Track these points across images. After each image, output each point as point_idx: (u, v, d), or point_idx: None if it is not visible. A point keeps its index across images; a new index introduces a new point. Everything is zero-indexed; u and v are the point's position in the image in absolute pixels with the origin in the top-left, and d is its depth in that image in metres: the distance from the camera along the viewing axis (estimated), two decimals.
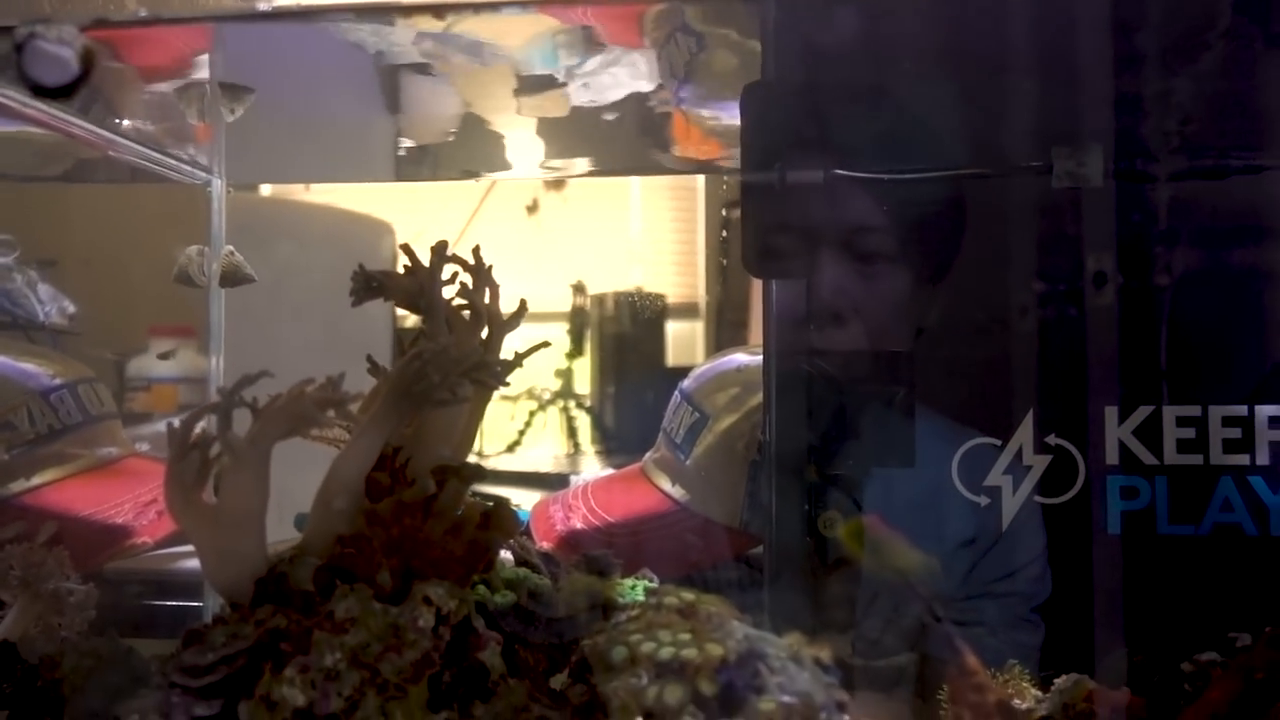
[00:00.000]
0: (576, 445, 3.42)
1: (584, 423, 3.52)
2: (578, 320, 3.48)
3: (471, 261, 0.74)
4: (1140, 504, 0.93)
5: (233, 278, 0.96)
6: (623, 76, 1.37)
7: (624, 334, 3.43)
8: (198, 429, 0.68)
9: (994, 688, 0.59)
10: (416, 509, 0.71)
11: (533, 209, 3.67)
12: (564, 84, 1.42)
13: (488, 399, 0.76)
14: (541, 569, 0.84)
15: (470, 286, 0.75)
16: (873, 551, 0.61)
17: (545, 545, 1.18)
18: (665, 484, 1.16)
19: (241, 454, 0.67)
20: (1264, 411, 0.90)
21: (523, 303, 0.76)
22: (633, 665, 0.64)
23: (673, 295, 3.56)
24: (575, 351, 3.52)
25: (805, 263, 0.94)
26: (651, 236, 3.70)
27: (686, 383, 1.21)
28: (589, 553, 0.84)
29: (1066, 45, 0.92)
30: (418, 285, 0.73)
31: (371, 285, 0.73)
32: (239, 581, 0.68)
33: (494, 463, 3.49)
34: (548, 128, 1.53)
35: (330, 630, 0.66)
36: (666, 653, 0.64)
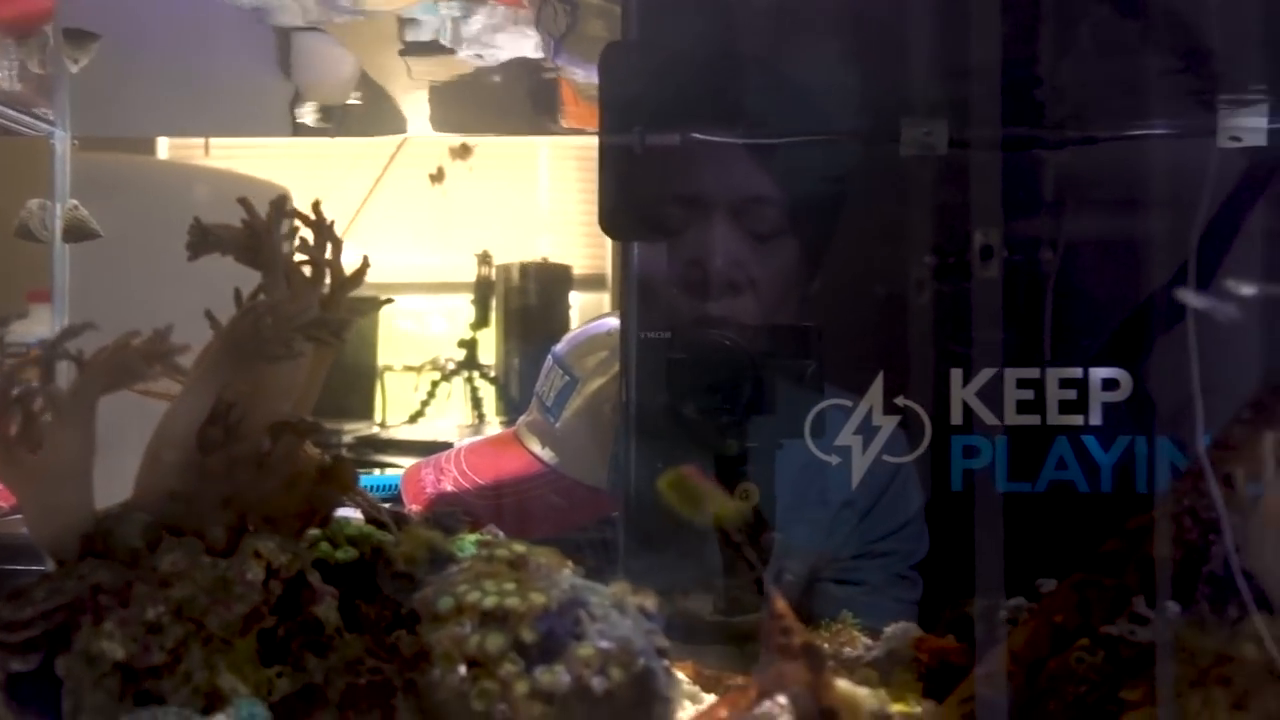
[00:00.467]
0: (481, 416, 3.41)
1: (489, 393, 3.51)
2: (482, 290, 3.46)
3: (312, 216, 0.74)
4: (981, 462, 0.96)
5: (76, 233, 0.94)
6: (510, 40, 1.37)
7: (529, 304, 3.41)
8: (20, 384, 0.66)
9: (801, 630, 0.61)
10: (250, 464, 0.70)
11: (437, 177, 3.63)
12: (451, 48, 1.41)
13: (330, 356, 0.75)
14: (391, 527, 0.84)
15: (311, 242, 0.74)
16: (690, 501, 0.62)
17: (415, 508, 1.18)
18: (536, 447, 1.17)
19: (64, 407, 0.66)
20: (1097, 374, 0.94)
21: (365, 259, 0.75)
22: (459, 615, 0.65)
23: (579, 265, 3.56)
24: (480, 322, 3.50)
25: (662, 225, 0.95)
26: (558, 206, 3.69)
27: (559, 346, 1.22)
28: (436, 509, 0.84)
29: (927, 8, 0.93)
30: (255, 239, 0.72)
31: (207, 238, 0.71)
32: (63, 537, 0.67)
33: (397, 433, 3.46)
34: (443, 92, 1.52)
35: (155, 584, 0.65)
36: (491, 602, 0.65)
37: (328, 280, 0.77)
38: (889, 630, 0.81)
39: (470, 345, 3.51)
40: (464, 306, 3.54)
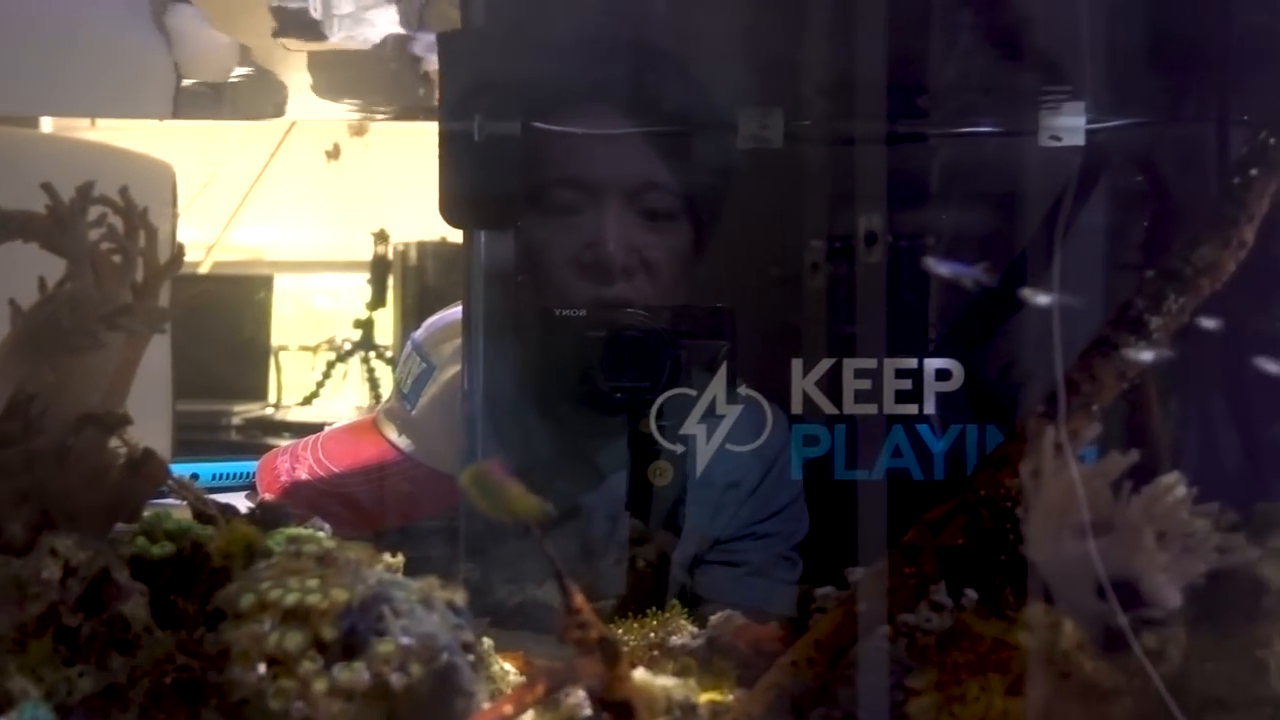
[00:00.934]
0: (377, 397, 3.36)
1: (385, 374, 3.46)
2: (379, 269, 3.40)
3: (120, 203, 0.71)
4: (820, 451, 0.98)
5: None
6: (382, 18, 1.34)
7: (427, 284, 3.37)
8: None
9: (597, 624, 0.62)
10: (50, 459, 0.68)
11: (334, 154, 3.55)
12: (319, 20, 1.38)
13: (141, 347, 0.73)
14: (218, 520, 0.83)
15: (120, 229, 0.72)
16: (491, 496, 0.63)
17: (267, 496, 1.16)
18: (393, 434, 1.16)
19: None
20: (931, 365, 0.97)
21: (180, 247, 0.74)
22: (260, 612, 0.64)
23: None
24: (376, 301, 3.45)
25: (505, 213, 0.94)
26: None
27: (418, 333, 1.20)
28: (263, 502, 0.83)
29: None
30: (59, 225, 0.70)
31: (8, 225, 0.69)
32: None
33: (292, 415, 3.39)
34: (323, 69, 1.48)
35: None
36: (291, 599, 0.64)
37: (140, 269, 0.75)
38: (713, 619, 0.82)
39: (367, 325, 3.46)
40: (361, 286, 3.48)
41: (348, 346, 3.63)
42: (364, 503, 1.13)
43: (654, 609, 0.86)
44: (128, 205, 0.73)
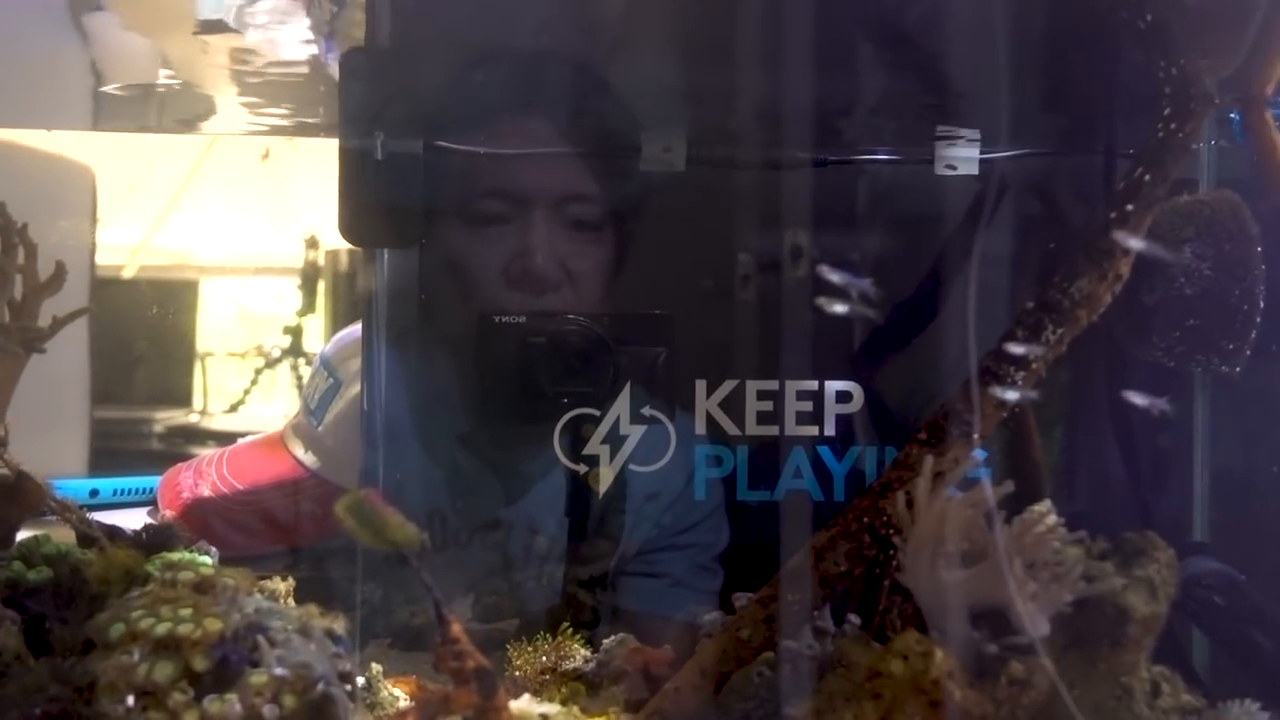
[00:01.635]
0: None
1: None
2: (310, 276, 3.35)
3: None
4: (723, 471, 0.99)
5: None
6: (295, 30, 1.32)
7: (358, 291, 3.31)
8: None
9: (474, 654, 0.62)
10: None
11: (265, 157, 3.50)
12: (238, 30, 1.35)
13: (19, 366, 0.71)
14: (104, 543, 0.81)
15: None
16: (368, 525, 0.62)
17: (169, 514, 1.14)
18: (299, 450, 1.14)
19: None
20: (832, 387, 0.98)
21: (60, 265, 0.72)
22: (130, 642, 0.63)
23: None
24: (306, 308, 3.39)
25: (407, 231, 0.94)
26: None
27: (326, 348, 1.19)
28: (149, 525, 0.82)
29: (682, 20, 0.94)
30: None
31: None
32: None
33: (217, 422, 3.33)
34: (249, 80, 1.45)
35: None
36: (163, 628, 0.63)
37: (19, 286, 0.73)
38: (606, 642, 0.82)
39: (296, 332, 3.40)
40: (291, 291, 3.43)
41: (277, 353, 3.57)
42: (268, 521, 1.11)
43: (542, 634, 0.86)
44: (5, 222, 0.72)
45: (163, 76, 1.37)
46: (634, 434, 0.98)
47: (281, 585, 0.79)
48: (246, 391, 3.46)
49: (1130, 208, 0.73)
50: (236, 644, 0.63)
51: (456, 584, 1.03)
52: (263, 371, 3.51)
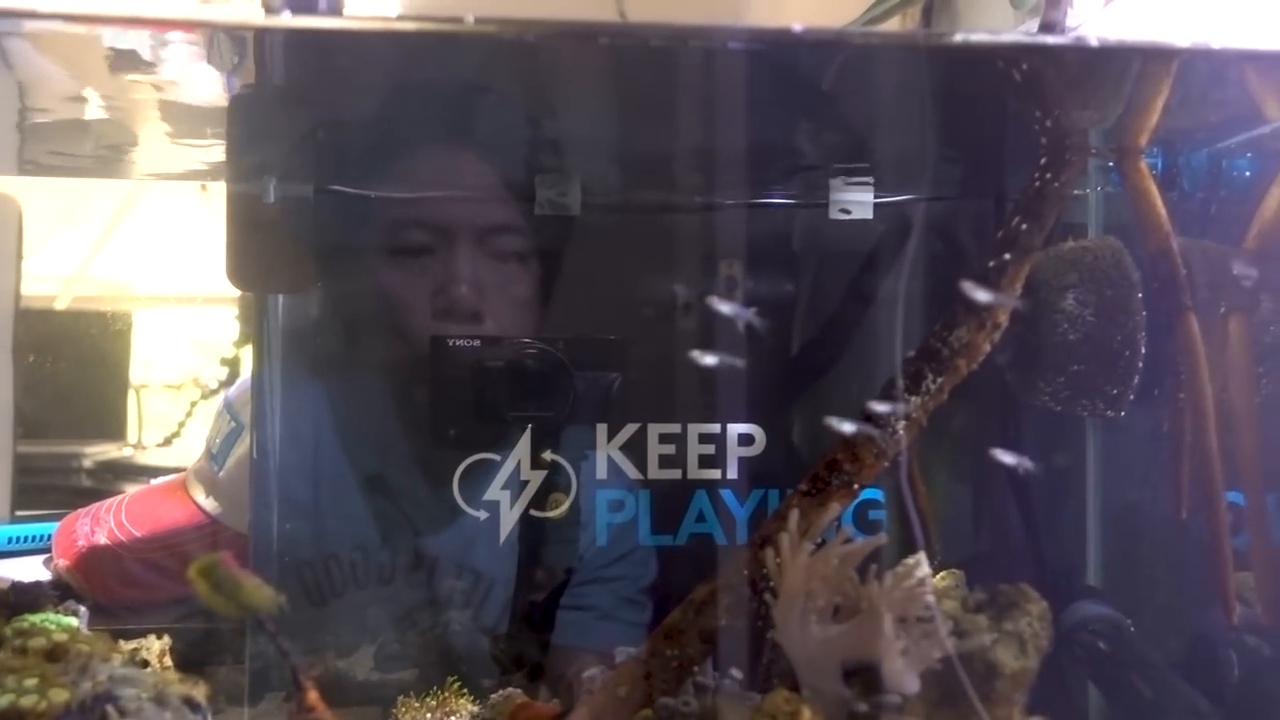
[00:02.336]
0: None
1: None
2: (247, 306, 3.31)
3: None
4: (625, 516, 0.98)
5: None
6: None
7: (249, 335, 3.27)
8: None
9: (330, 717, 0.60)
10: None
11: (204, 187, 3.46)
12: (153, 64, 1.33)
13: None
14: None
15: None
16: (222, 590, 0.61)
17: (63, 563, 1.11)
18: (200, 496, 1.12)
19: None
20: (734, 430, 0.97)
21: None
22: None
23: None
24: (243, 339, 3.35)
25: (299, 276, 0.92)
26: None
27: (230, 391, 1.17)
28: (16, 583, 0.79)
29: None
30: None
31: None
32: None
33: (151, 456, 3.27)
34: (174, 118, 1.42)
35: None
36: (5, 700, 0.60)
37: None
38: (493, 697, 0.81)
39: (233, 363, 3.36)
40: (230, 322, 3.39)
41: (214, 384, 3.52)
42: (165, 570, 1.09)
43: (435, 689, 0.84)
44: None
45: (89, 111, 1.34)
46: (534, 479, 0.97)
47: (155, 645, 0.77)
48: (181, 424, 3.41)
49: (1007, 256, 0.74)
50: (83, 715, 0.61)
51: (366, 630, 1.01)
52: (198, 403, 3.46)
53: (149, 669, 0.70)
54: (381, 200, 0.97)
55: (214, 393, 3.56)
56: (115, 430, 3.34)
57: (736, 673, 0.72)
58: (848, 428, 0.67)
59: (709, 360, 0.63)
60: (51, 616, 0.74)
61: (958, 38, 0.67)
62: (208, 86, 1.27)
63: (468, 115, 0.94)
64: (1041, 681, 0.77)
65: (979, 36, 0.67)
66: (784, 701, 0.62)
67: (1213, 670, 0.74)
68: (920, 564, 0.65)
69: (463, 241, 0.96)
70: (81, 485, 2.91)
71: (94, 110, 1.34)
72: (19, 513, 1.66)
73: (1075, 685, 0.81)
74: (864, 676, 0.64)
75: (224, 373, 3.60)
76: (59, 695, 0.61)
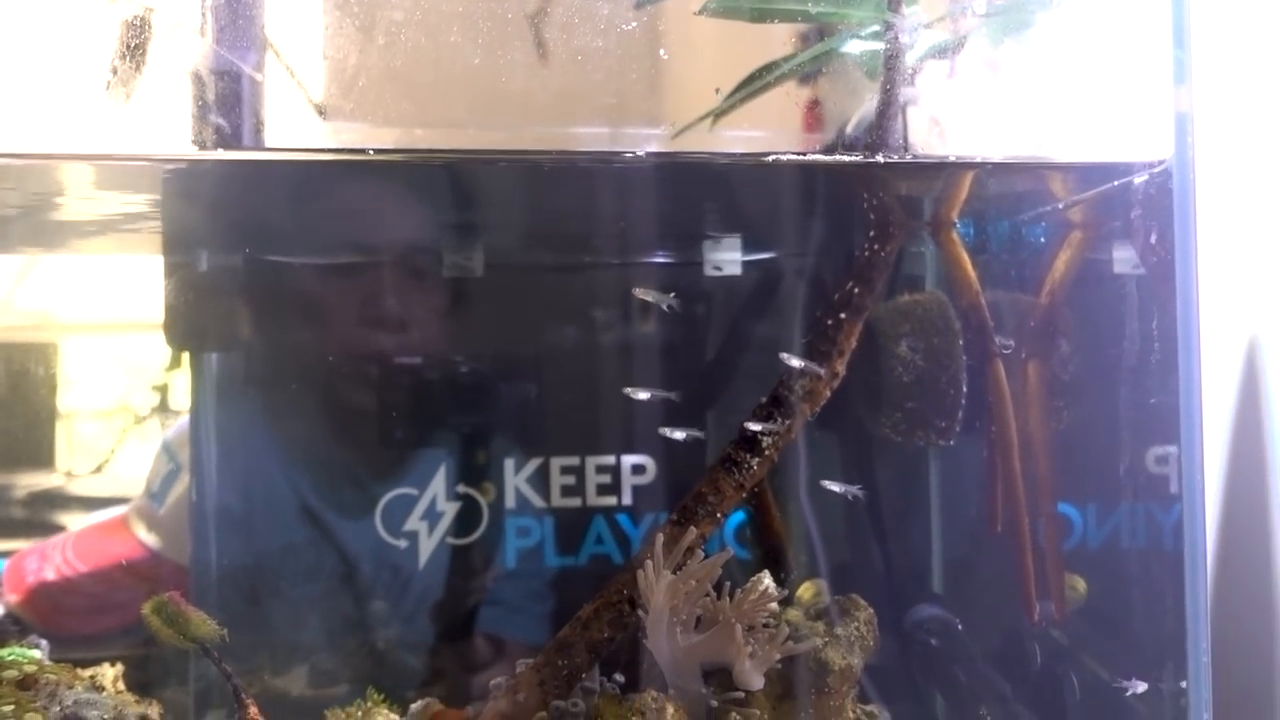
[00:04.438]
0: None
1: None
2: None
3: None
4: (532, 541, 1.10)
5: None
6: None
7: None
8: None
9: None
10: None
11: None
12: None
13: None
14: None
15: None
16: (172, 623, 0.71)
17: (14, 599, 1.19)
18: (142, 532, 1.21)
19: None
20: (627, 460, 1.10)
21: None
22: None
23: None
24: (174, 364, 3.39)
25: (229, 335, 1.03)
26: None
27: (169, 433, 1.26)
28: None
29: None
30: None
31: None
32: None
33: (84, 485, 3.29)
34: None
35: None
36: None
37: None
38: (414, 706, 0.92)
39: (163, 389, 3.40)
40: (160, 348, 3.42)
41: (146, 411, 3.55)
42: (110, 602, 1.18)
43: (359, 700, 0.95)
44: None
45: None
46: (450, 510, 1.09)
47: (110, 671, 0.86)
48: (112, 451, 3.44)
49: (843, 315, 0.87)
50: None
51: (298, 651, 1.11)
52: (129, 429, 3.49)
53: (105, 693, 0.80)
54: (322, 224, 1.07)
55: (145, 419, 3.60)
56: (45, 459, 3.36)
57: (619, 677, 0.84)
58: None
59: (642, 395, 0.75)
60: (16, 650, 0.83)
61: (799, 157, 0.80)
62: None
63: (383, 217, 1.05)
64: (893, 673, 0.91)
65: (816, 157, 0.81)
66: (651, 700, 0.74)
67: (1019, 660, 0.88)
68: (764, 580, 0.78)
69: (387, 259, 1.07)
70: (14, 516, 2.94)
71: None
72: None
73: (921, 676, 0.95)
74: (720, 677, 0.77)
75: (155, 399, 3.64)
76: (33, 718, 0.71)
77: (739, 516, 1.00)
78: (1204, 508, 0.70)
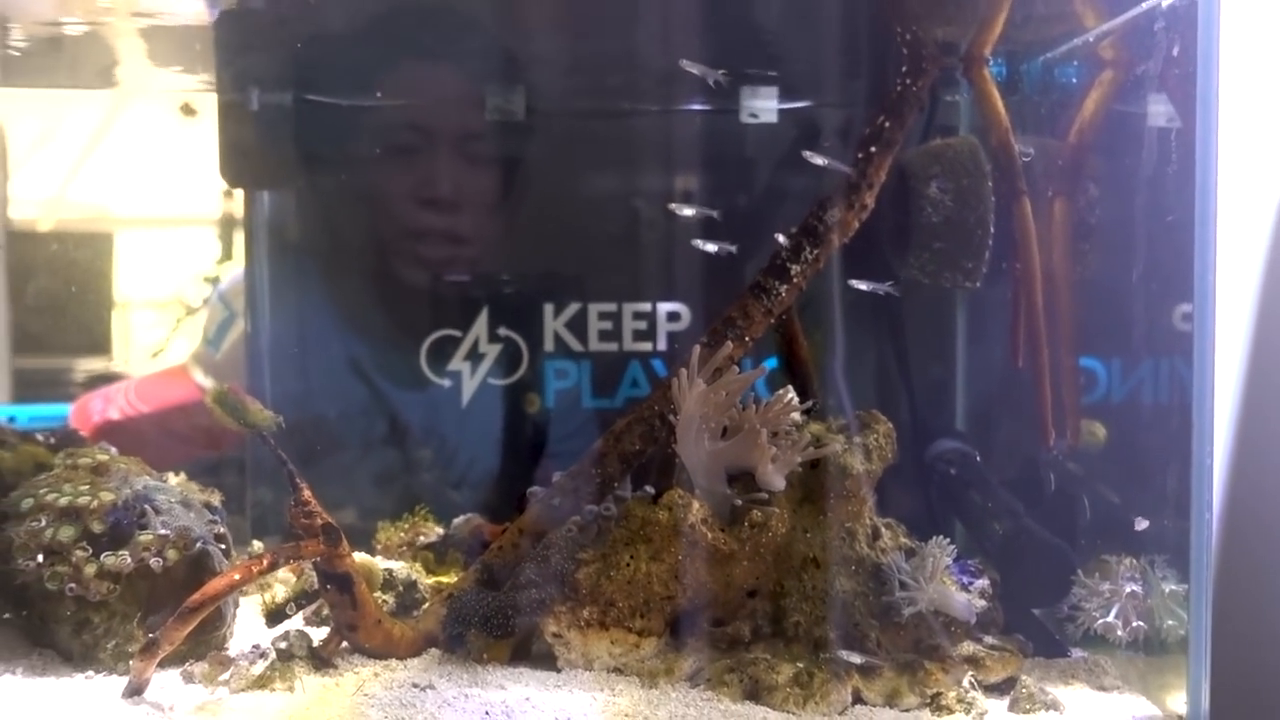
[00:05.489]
0: None
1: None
2: (228, 224, 3.43)
3: None
4: (569, 383, 1.14)
5: None
6: None
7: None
8: None
9: (321, 513, 0.76)
10: None
11: (188, 110, 3.54)
12: None
13: None
14: (15, 443, 0.94)
15: None
16: (232, 412, 0.76)
17: (83, 434, 1.26)
18: (200, 375, 1.27)
19: None
20: (663, 308, 1.13)
21: None
22: (38, 512, 0.77)
23: None
24: (225, 256, 3.47)
25: (280, 175, 1.07)
26: None
27: (222, 284, 1.32)
28: (58, 428, 0.95)
29: None
30: None
31: None
32: None
33: (140, 369, 3.40)
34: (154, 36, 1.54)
35: None
36: (64, 500, 0.77)
37: None
38: (456, 520, 0.98)
39: (215, 280, 3.48)
40: (211, 240, 3.50)
41: (198, 301, 3.65)
42: (171, 438, 1.24)
43: (406, 514, 1.01)
44: None
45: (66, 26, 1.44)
46: (491, 352, 1.13)
47: (174, 478, 0.92)
48: (167, 339, 3.55)
49: (874, 149, 0.89)
50: (127, 511, 0.77)
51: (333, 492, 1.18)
52: (183, 320, 3.59)
53: (171, 483, 0.86)
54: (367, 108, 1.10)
55: (197, 309, 3.69)
56: (103, 346, 3.47)
57: (649, 489, 0.89)
58: None
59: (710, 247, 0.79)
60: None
61: None
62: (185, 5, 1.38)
63: (438, 32, 1.08)
64: (912, 503, 0.95)
65: None
66: (678, 497, 0.78)
67: (1034, 483, 0.91)
68: (788, 392, 0.82)
69: (443, 143, 1.10)
70: (75, 397, 3.05)
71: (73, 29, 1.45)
72: None
73: (939, 507, 0.98)
74: (743, 480, 0.81)
75: (207, 290, 3.72)
76: (107, 496, 0.77)
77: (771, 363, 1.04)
78: (1213, 367, 0.71)
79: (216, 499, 0.85)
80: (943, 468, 0.96)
